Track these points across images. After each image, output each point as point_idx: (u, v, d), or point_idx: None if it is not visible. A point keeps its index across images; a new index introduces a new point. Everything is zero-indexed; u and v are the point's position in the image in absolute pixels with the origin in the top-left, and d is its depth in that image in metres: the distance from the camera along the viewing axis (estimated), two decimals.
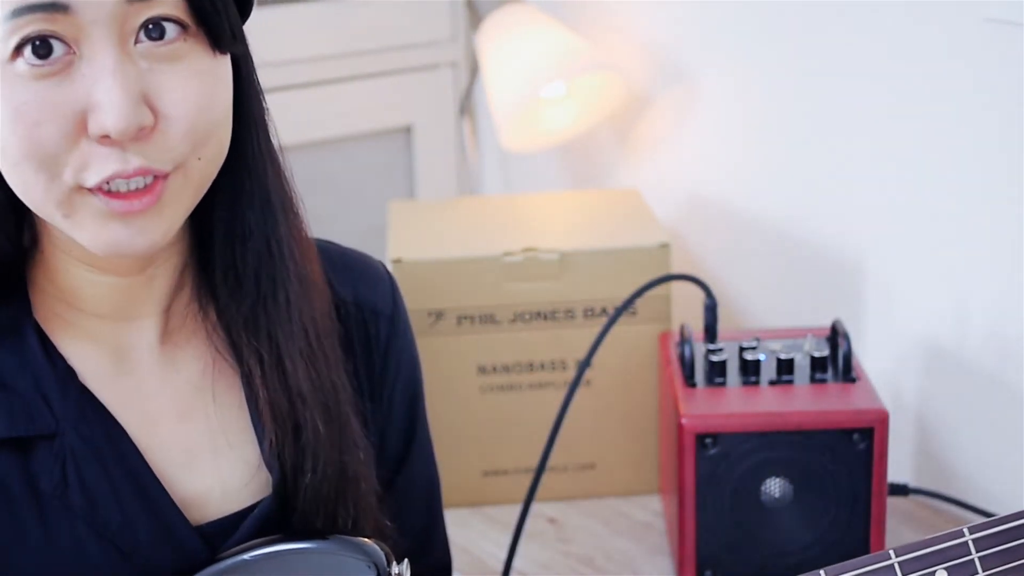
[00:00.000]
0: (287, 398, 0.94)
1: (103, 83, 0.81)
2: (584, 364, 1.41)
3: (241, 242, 0.93)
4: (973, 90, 1.43)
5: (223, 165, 0.90)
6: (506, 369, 1.55)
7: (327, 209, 1.96)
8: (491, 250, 1.54)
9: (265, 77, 0.94)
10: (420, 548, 1.11)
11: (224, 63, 0.87)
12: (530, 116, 1.85)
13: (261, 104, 0.93)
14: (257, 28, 0.93)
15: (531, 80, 1.76)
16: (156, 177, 0.84)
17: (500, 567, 1.41)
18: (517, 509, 1.37)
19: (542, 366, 1.56)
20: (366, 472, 0.98)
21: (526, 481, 1.43)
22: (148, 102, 0.82)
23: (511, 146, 1.85)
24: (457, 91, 2.06)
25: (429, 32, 2.03)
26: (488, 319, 1.54)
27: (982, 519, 1.46)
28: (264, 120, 0.93)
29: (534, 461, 1.48)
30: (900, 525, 1.47)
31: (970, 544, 0.86)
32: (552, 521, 1.53)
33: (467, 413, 1.55)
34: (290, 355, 0.94)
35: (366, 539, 0.93)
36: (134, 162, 0.82)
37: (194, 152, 0.85)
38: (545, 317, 1.54)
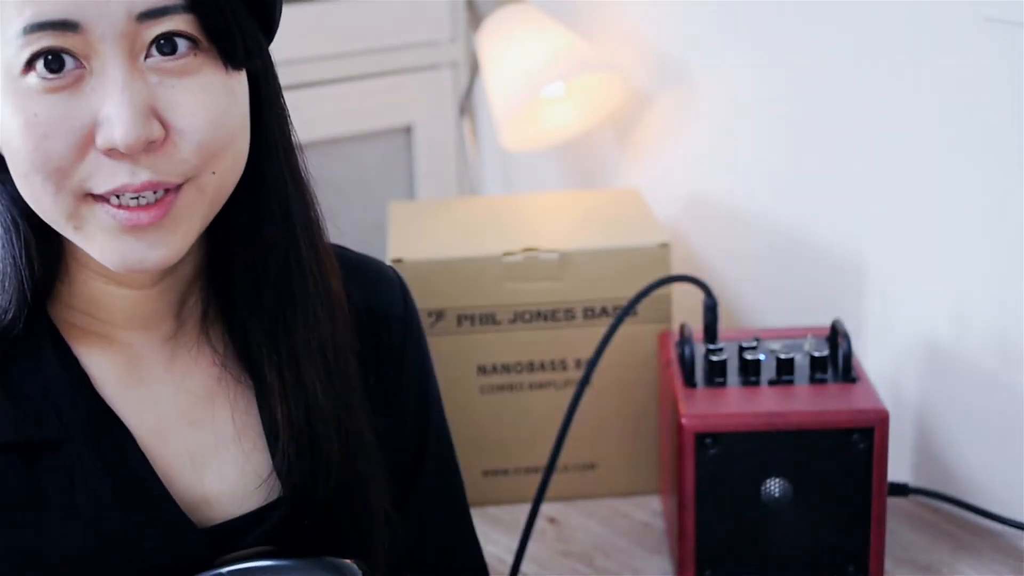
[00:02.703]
0: (304, 411, 0.94)
1: (112, 98, 0.81)
2: (592, 364, 1.40)
3: (262, 257, 0.93)
4: (973, 90, 1.43)
5: (243, 182, 0.90)
6: (506, 369, 1.55)
7: (327, 209, 1.95)
8: (491, 250, 1.54)
9: None
10: (445, 557, 1.10)
11: (238, 79, 0.87)
12: (530, 116, 1.85)
13: (285, 120, 0.94)
14: None
15: (531, 80, 1.76)
16: (167, 191, 0.84)
17: (501, 567, 1.41)
18: (518, 509, 1.37)
19: (542, 366, 1.56)
20: (380, 485, 0.98)
21: (527, 481, 1.43)
22: (158, 115, 0.83)
23: (511, 146, 1.85)
24: (457, 91, 2.06)
25: (429, 32, 2.03)
26: (488, 319, 1.54)
27: (981, 519, 1.47)
28: (287, 136, 0.94)
29: (535, 461, 1.48)
30: (900, 525, 1.47)
31: None
32: (552, 521, 1.53)
33: (467, 413, 1.55)
34: (308, 369, 0.94)
35: (348, 560, 0.93)
36: (142, 175, 0.83)
37: (207, 166, 0.85)
38: (545, 317, 1.54)
